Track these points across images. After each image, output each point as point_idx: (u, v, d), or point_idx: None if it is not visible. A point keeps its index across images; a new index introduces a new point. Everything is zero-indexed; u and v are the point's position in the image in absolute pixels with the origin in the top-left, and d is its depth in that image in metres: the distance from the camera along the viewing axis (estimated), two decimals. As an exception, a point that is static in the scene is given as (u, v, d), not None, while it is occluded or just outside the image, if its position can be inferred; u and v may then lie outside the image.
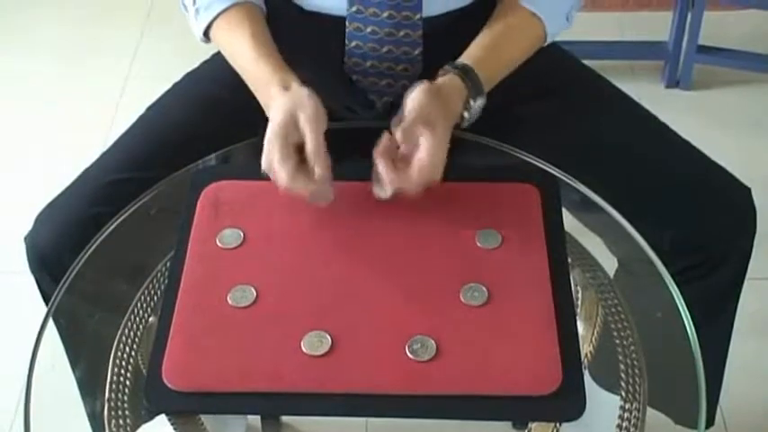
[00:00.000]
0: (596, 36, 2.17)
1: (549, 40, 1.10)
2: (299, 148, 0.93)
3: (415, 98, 0.94)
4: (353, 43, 1.09)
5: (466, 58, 1.03)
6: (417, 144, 0.93)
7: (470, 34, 1.07)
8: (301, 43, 1.14)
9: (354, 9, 1.07)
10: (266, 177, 0.94)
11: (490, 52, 1.04)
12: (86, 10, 2.57)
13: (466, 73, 1.00)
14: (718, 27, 2.24)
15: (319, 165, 0.92)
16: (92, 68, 2.37)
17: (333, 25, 1.09)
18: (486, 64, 1.02)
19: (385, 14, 1.06)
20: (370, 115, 1.16)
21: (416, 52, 1.09)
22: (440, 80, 1.00)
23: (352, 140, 1.16)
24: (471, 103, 1.00)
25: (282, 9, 1.12)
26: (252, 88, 1.04)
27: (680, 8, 2.10)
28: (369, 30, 1.08)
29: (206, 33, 1.09)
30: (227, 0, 1.06)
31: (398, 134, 0.93)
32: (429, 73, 1.09)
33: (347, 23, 1.08)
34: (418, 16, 1.07)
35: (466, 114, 1.01)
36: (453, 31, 1.09)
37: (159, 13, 2.52)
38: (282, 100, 0.95)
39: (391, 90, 1.13)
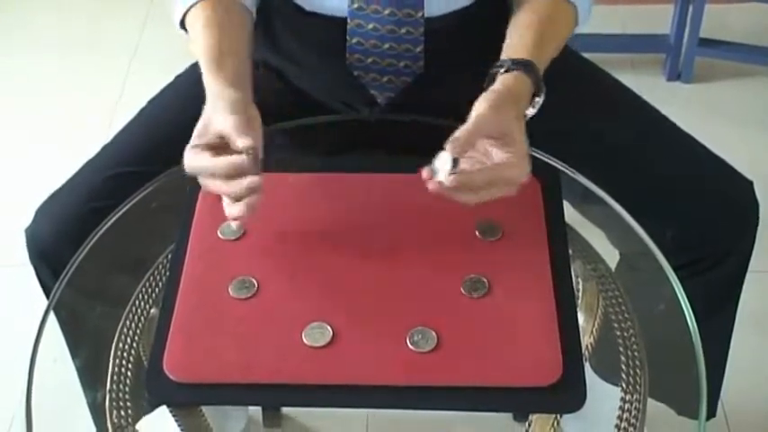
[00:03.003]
0: (597, 29, 2.17)
1: (578, 28, 1.08)
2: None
3: (479, 114, 0.88)
4: (355, 39, 1.09)
5: (519, 53, 0.98)
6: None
7: (472, 32, 1.07)
8: (303, 42, 1.14)
9: (356, 6, 1.06)
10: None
11: (539, 43, 1.00)
12: (87, 3, 2.57)
13: (528, 69, 0.96)
14: (719, 20, 2.24)
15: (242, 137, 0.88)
16: (93, 62, 2.37)
17: (334, 25, 1.09)
18: (539, 55, 0.98)
19: (386, 12, 1.06)
20: (372, 112, 1.15)
21: (418, 49, 1.09)
22: (506, 81, 0.95)
23: (351, 134, 1.16)
24: (536, 99, 0.97)
25: (283, 9, 1.12)
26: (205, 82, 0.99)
27: (681, 1, 2.10)
28: (370, 26, 1.07)
29: (182, 23, 1.07)
30: None
31: (449, 145, 0.86)
32: (431, 70, 1.09)
33: (348, 20, 1.08)
34: (420, 14, 1.07)
35: (531, 111, 0.97)
36: (455, 29, 1.09)
37: (160, 6, 2.52)
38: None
39: (392, 86, 1.13)
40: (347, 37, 1.09)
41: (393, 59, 1.10)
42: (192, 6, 1.04)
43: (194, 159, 0.89)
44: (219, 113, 0.90)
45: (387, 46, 1.09)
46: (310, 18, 1.11)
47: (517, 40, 1.01)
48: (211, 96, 0.93)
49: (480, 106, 0.89)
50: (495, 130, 0.88)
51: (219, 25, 1.01)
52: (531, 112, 0.98)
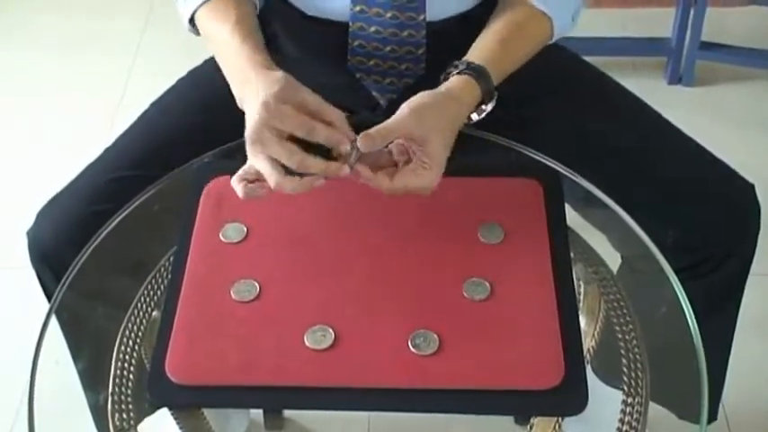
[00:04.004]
0: (599, 32, 2.17)
1: (554, 39, 1.09)
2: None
3: (398, 118, 0.91)
4: (356, 42, 1.09)
5: (477, 57, 1.00)
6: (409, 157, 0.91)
7: (473, 34, 1.07)
8: (303, 46, 1.14)
9: (358, 9, 1.06)
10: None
11: (500, 51, 1.01)
12: (88, 3, 2.57)
13: (480, 75, 0.97)
14: (720, 23, 2.24)
15: (329, 112, 0.89)
16: (94, 63, 2.37)
17: (335, 28, 1.09)
18: (497, 64, 1.00)
19: (388, 15, 1.06)
20: (373, 115, 1.15)
21: (420, 52, 1.09)
22: (453, 83, 0.97)
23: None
24: (483, 107, 0.99)
25: (283, 13, 1.12)
26: (228, 74, 0.99)
27: (683, 4, 2.10)
28: (372, 29, 1.07)
29: (192, 21, 1.07)
30: None
31: (360, 138, 0.88)
32: (432, 72, 1.09)
33: (350, 23, 1.08)
34: (422, 17, 1.07)
35: (474, 116, 0.99)
36: (457, 32, 1.09)
37: (162, 5, 2.52)
38: (270, 77, 0.91)
39: (394, 88, 1.13)
40: (349, 39, 1.09)
41: (394, 62, 1.10)
42: (205, 2, 1.04)
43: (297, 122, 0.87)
44: (300, 89, 0.90)
45: (388, 48, 1.09)
46: (311, 21, 1.11)
47: (481, 45, 1.02)
48: (271, 76, 0.92)
49: (403, 109, 0.91)
50: (411, 135, 0.90)
51: (244, 17, 1.02)
52: (474, 117, 0.99)
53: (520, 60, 1.04)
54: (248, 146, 0.89)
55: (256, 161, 0.88)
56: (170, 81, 1.24)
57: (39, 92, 2.29)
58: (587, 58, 1.25)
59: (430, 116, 0.91)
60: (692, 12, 2.10)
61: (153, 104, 1.21)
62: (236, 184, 0.90)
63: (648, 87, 2.00)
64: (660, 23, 2.23)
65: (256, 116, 0.87)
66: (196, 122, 1.16)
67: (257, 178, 0.90)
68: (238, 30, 0.99)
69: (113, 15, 2.52)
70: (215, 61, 1.13)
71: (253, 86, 0.91)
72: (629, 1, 2.42)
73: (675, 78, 2.22)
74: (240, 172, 0.90)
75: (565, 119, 1.15)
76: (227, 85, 1.11)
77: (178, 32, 1.09)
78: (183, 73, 1.25)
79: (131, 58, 2.38)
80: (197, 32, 1.08)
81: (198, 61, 1.24)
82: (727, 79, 2.22)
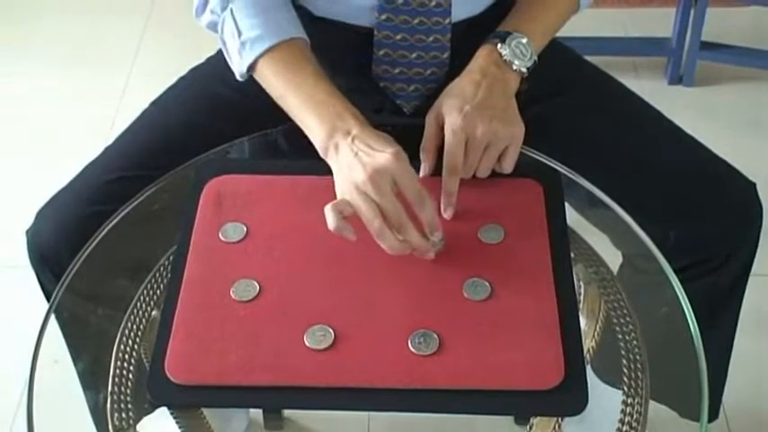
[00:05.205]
0: (599, 32, 2.17)
1: (581, 8, 1.11)
2: None
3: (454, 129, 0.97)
4: (382, 51, 1.08)
5: (507, 25, 1.06)
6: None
7: (487, 33, 1.07)
8: (325, 52, 1.13)
9: (384, 17, 1.06)
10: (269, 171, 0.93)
11: (524, 15, 1.07)
12: (89, 5, 2.57)
13: (501, 37, 1.03)
14: (721, 23, 2.24)
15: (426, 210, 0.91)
16: (94, 63, 2.37)
17: (358, 36, 1.08)
18: (521, 25, 1.05)
19: (416, 21, 1.05)
20: (397, 117, 1.15)
21: (445, 56, 1.09)
22: (482, 53, 1.04)
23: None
24: (500, 47, 1.02)
25: (306, 19, 1.10)
26: (312, 109, 0.98)
27: (683, 4, 2.10)
28: (398, 37, 1.07)
29: (250, 68, 1.03)
30: (278, 35, 1.01)
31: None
32: (454, 74, 1.08)
33: (376, 31, 1.07)
34: (448, 20, 1.06)
35: (504, 51, 1.02)
36: (478, 31, 1.09)
37: (163, 6, 2.52)
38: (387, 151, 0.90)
39: (418, 94, 1.12)
40: (374, 49, 1.08)
41: (420, 68, 1.09)
42: (275, 46, 1.01)
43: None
44: (405, 170, 0.90)
45: (414, 55, 1.08)
46: (332, 27, 1.10)
47: (509, 16, 1.08)
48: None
49: (450, 116, 0.97)
50: (448, 129, 0.97)
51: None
52: (505, 52, 1.03)
53: (550, 17, 1.09)
54: (361, 184, 0.89)
55: (361, 202, 0.88)
56: (170, 81, 1.23)
57: (39, 92, 2.29)
58: (588, 58, 1.25)
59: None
60: (692, 12, 2.10)
61: (153, 104, 1.21)
62: (330, 212, 0.89)
63: (649, 88, 2.00)
64: (661, 23, 2.23)
65: (384, 161, 0.88)
66: (196, 122, 1.15)
67: (347, 216, 0.90)
68: (323, 78, 1.00)
69: (113, 16, 2.53)
70: (216, 61, 1.13)
71: (368, 138, 0.93)
72: (629, 1, 2.42)
73: (676, 78, 2.22)
74: (337, 203, 0.90)
75: (566, 119, 1.15)
76: (228, 85, 1.11)
77: (178, 32, 1.08)
78: (182, 73, 1.25)
79: (131, 57, 2.38)
80: (248, 76, 1.05)
81: (198, 60, 1.24)
82: (727, 79, 2.22)
